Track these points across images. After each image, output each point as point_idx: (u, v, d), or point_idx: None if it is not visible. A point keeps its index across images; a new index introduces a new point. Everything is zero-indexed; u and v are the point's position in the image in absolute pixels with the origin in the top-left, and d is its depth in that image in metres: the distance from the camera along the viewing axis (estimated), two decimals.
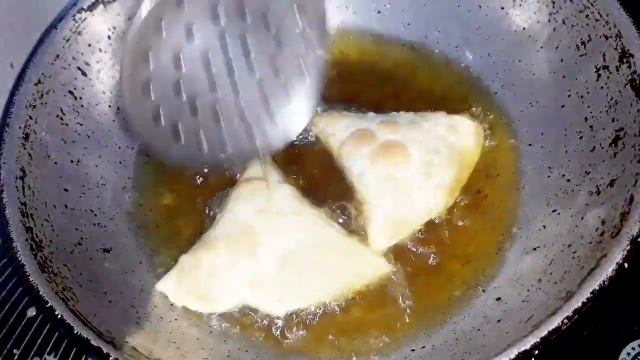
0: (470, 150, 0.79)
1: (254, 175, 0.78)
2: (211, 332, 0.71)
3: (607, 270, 0.57)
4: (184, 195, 0.81)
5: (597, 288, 0.57)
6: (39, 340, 0.79)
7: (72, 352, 0.78)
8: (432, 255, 0.73)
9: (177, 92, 0.61)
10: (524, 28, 0.82)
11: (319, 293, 0.71)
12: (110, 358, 0.57)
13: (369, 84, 0.88)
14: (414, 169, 0.75)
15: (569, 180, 0.72)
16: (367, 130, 0.79)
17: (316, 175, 0.81)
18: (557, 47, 0.78)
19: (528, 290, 0.65)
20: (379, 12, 0.91)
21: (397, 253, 0.74)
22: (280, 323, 0.70)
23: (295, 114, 0.67)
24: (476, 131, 0.80)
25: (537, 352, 0.55)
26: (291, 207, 0.74)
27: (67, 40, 0.79)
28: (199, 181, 0.81)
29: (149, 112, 0.60)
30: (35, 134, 0.73)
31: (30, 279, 0.62)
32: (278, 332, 0.70)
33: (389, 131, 0.78)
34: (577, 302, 0.56)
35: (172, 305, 0.72)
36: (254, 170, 0.78)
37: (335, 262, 0.72)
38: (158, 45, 0.57)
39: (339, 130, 0.81)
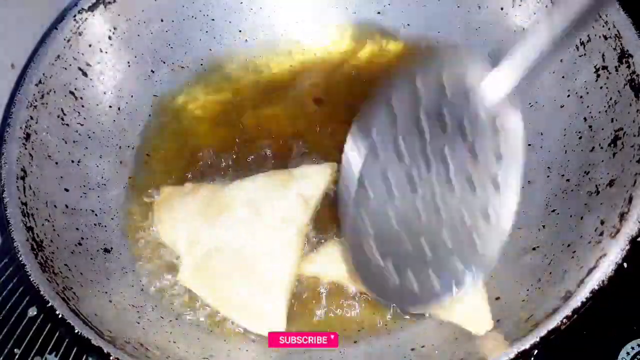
0: None
1: None
2: (211, 331, 0.71)
3: (607, 270, 0.57)
4: None
5: (596, 288, 0.57)
6: (40, 340, 0.79)
7: (73, 352, 0.78)
8: None
9: (390, 231, 0.55)
10: (523, 28, 0.82)
11: None
12: (111, 358, 0.58)
13: (369, 84, 0.88)
14: None
15: (568, 180, 0.72)
16: None
17: None
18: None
19: (528, 290, 0.65)
20: (378, 12, 0.91)
21: None
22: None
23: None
24: None
25: (536, 351, 0.56)
26: None
27: (68, 41, 0.79)
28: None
29: (371, 260, 0.55)
30: (36, 134, 0.73)
31: (31, 279, 0.62)
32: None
33: None
34: (576, 302, 0.57)
35: (172, 305, 0.72)
36: None
37: None
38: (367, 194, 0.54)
39: None
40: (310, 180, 0.77)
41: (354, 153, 0.52)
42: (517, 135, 0.56)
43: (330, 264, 0.73)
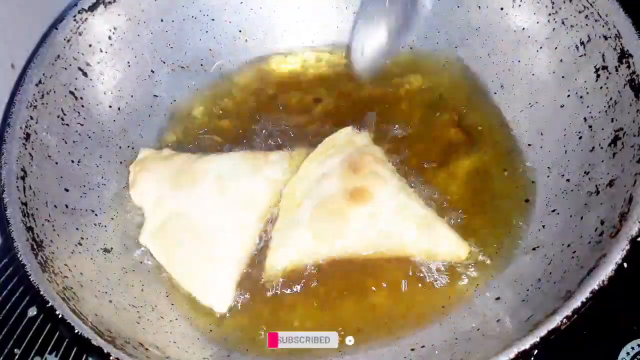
0: None
1: None
2: (211, 331, 0.71)
3: (607, 270, 0.57)
4: None
5: (596, 288, 0.57)
6: (40, 340, 0.79)
7: (73, 352, 0.78)
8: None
9: None
10: (523, 28, 0.82)
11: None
12: (111, 358, 0.57)
13: (369, 84, 0.88)
14: None
15: (568, 180, 0.72)
16: None
17: None
18: (556, 48, 0.78)
19: (528, 290, 0.66)
20: None
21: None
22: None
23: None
24: None
25: (536, 351, 0.56)
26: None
27: (68, 41, 0.79)
28: None
29: None
30: (36, 134, 0.73)
31: (31, 279, 0.62)
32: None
33: None
34: (576, 302, 0.56)
35: (172, 305, 0.72)
36: None
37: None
38: None
39: None
40: (280, 166, 0.79)
41: None
42: None
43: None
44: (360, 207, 0.73)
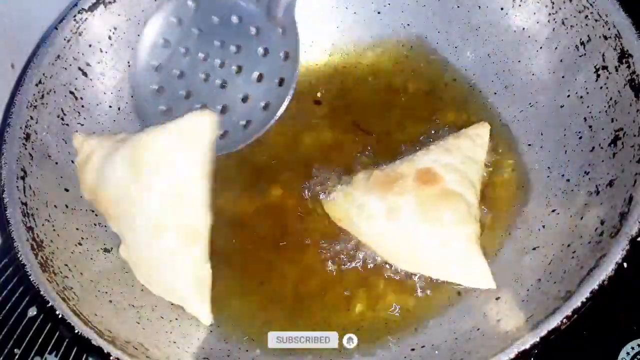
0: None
1: None
2: (211, 331, 0.71)
3: (607, 270, 0.57)
4: None
5: (596, 288, 0.57)
6: (40, 340, 0.79)
7: (73, 352, 0.78)
8: None
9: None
10: (523, 28, 0.82)
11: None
12: (111, 358, 0.58)
13: (368, 84, 0.88)
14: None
15: (568, 180, 0.72)
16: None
17: None
18: (556, 48, 0.78)
19: (528, 290, 0.65)
20: (378, 12, 0.91)
21: None
22: None
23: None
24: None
25: (536, 351, 0.56)
26: None
27: (68, 41, 0.79)
28: None
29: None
30: (36, 134, 0.73)
31: (31, 279, 0.62)
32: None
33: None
34: (576, 302, 0.57)
35: (172, 305, 0.72)
36: None
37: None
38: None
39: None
40: (191, 134, 0.69)
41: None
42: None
43: None
44: (439, 180, 0.71)
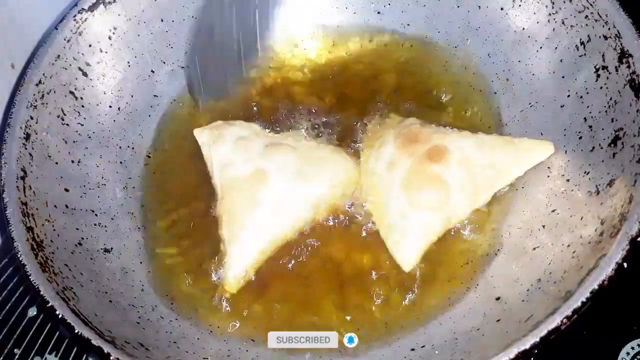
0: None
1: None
2: (211, 332, 0.71)
3: (607, 270, 0.57)
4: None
5: (596, 288, 0.57)
6: (40, 340, 0.79)
7: (73, 352, 0.78)
8: (431, 254, 0.73)
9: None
10: (523, 28, 0.82)
11: None
12: (111, 357, 0.58)
13: (369, 84, 0.88)
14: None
15: (568, 180, 0.72)
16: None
17: None
18: (556, 48, 0.78)
19: (528, 290, 0.65)
20: (378, 12, 0.91)
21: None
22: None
23: None
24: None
25: (536, 351, 0.56)
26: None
27: (68, 41, 0.79)
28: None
29: None
30: (36, 134, 0.73)
31: (31, 279, 0.62)
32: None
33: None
34: (576, 302, 0.57)
35: (172, 305, 0.72)
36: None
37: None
38: None
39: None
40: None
41: None
42: None
43: None
44: (445, 162, 0.73)
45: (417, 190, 0.73)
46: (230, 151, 0.77)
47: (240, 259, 0.73)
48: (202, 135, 0.81)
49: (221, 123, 0.82)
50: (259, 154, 0.77)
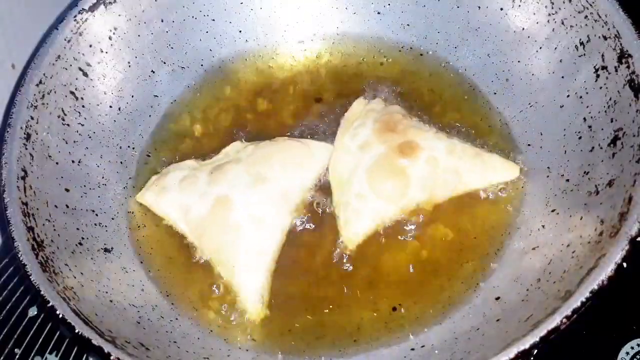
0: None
1: None
2: (211, 331, 0.71)
3: (606, 270, 0.57)
4: None
5: (596, 288, 0.57)
6: (40, 340, 0.79)
7: (73, 352, 0.78)
8: (432, 255, 0.73)
9: None
10: (523, 28, 0.82)
11: None
12: (112, 357, 0.58)
13: (368, 84, 0.88)
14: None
15: (567, 180, 0.72)
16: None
17: None
18: (556, 48, 0.78)
19: (527, 290, 0.66)
20: (378, 12, 0.91)
21: (397, 253, 0.74)
22: None
23: None
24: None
25: (536, 351, 0.56)
26: None
27: (69, 41, 0.79)
28: None
29: None
30: (37, 134, 0.73)
31: (32, 279, 0.62)
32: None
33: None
34: (576, 302, 0.56)
35: (172, 305, 0.72)
36: None
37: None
38: None
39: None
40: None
41: None
42: None
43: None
44: (413, 158, 0.75)
45: (381, 178, 0.75)
46: (180, 196, 0.76)
47: (249, 285, 0.72)
48: (145, 197, 0.78)
49: (155, 178, 0.79)
50: (207, 183, 0.75)
